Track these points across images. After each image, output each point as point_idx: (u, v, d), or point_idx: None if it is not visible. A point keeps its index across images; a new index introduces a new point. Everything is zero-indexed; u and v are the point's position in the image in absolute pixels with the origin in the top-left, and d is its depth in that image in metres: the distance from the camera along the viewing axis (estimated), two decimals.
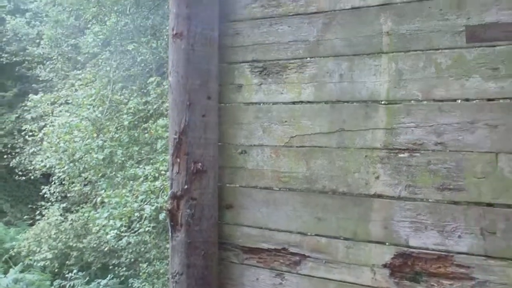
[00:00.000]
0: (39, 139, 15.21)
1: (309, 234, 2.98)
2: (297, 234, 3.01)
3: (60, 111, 14.90)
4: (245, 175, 3.20)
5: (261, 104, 3.16)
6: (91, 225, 13.36)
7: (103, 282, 15.56)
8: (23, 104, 18.71)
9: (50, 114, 15.38)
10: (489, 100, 2.52)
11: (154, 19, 14.10)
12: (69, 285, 15.95)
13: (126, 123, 13.01)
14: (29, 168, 17.33)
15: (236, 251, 3.21)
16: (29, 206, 21.22)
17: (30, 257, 16.56)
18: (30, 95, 16.70)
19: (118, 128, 13.29)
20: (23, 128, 17.16)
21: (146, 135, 12.73)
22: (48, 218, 16.85)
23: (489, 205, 2.51)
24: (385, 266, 2.74)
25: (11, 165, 20.15)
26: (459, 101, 2.59)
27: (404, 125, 2.70)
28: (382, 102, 2.77)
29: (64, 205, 17.10)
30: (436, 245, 2.61)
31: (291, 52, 3.05)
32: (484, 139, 2.51)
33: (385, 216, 2.74)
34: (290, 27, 3.05)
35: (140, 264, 13.81)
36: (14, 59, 22.17)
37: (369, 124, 2.79)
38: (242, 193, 3.21)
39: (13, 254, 17.64)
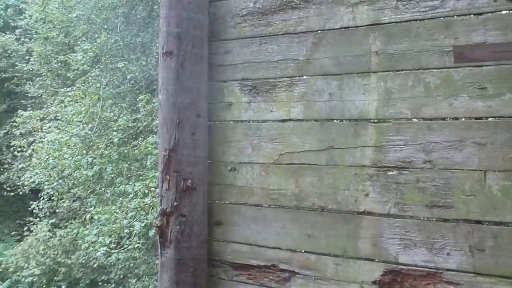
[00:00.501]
0: (28, 155, 15.14)
1: (298, 250, 2.99)
2: (286, 251, 3.02)
3: (50, 127, 14.85)
4: (234, 192, 3.21)
5: (251, 122, 3.18)
6: (80, 241, 13.28)
7: None
8: (12, 120, 18.64)
9: (39, 130, 15.33)
10: (477, 118, 2.55)
11: (144, 37, 14.14)
12: None
13: (115, 140, 12.99)
14: (18, 183, 17.24)
15: (226, 267, 3.22)
16: (17, 221, 21.09)
17: (18, 273, 16.43)
18: (19, 111, 16.64)
19: (108, 145, 13.26)
20: (11, 144, 17.09)
21: (136, 151, 12.72)
22: (36, 234, 16.75)
23: (478, 222, 2.53)
24: (374, 283, 2.75)
25: None
26: (448, 119, 2.62)
27: (393, 143, 2.72)
28: (371, 121, 2.80)
29: (53, 221, 17.01)
30: (425, 262, 2.63)
31: (281, 71, 3.07)
32: (472, 157, 2.54)
33: (374, 233, 2.76)
34: (280, 46, 3.08)
35: (130, 280, 13.74)
36: (3, 75, 22.12)
37: (358, 142, 2.82)
38: (232, 210, 3.22)
39: (0, 270, 17.50)
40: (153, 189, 11.21)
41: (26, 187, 15.54)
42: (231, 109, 3.24)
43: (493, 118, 2.52)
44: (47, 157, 13.35)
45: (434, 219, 2.63)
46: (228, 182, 3.23)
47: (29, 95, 20.42)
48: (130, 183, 12.33)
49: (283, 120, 3.06)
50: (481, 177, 2.52)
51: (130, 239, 12.14)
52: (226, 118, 3.26)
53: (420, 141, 2.66)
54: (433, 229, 2.62)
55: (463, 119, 2.58)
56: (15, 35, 22.25)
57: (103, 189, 13.15)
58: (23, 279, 16.43)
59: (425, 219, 2.65)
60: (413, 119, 2.69)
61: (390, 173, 2.73)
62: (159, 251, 3.23)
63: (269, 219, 3.08)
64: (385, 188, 2.74)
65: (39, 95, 19.68)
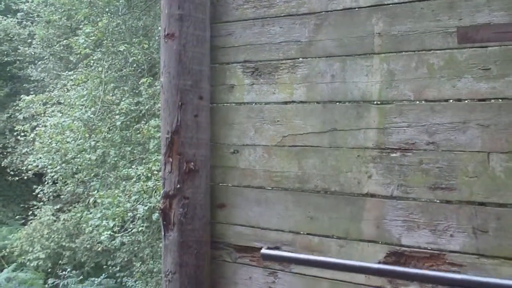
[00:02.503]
0: (31, 139, 15.16)
1: (301, 233, 2.99)
2: (289, 233, 3.02)
3: (52, 111, 14.85)
4: (237, 175, 3.21)
5: (253, 104, 3.16)
6: (84, 225, 13.34)
7: (97, 280, 15.55)
8: (15, 104, 18.67)
9: (42, 114, 15.33)
10: (480, 100, 2.53)
11: (145, 20, 14.09)
12: (63, 284, 15.94)
13: (118, 123, 12.98)
14: (21, 168, 17.28)
15: (229, 249, 3.22)
16: (21, 205, 21.19)
17: (23, 257, 16.53)
18: (22, 95, 16.64)
19: (110, 128, 13.26)
20: (15, 128, 17.12)
21: (139, 135, 12.72)
22: (40, 218, 16.82)
23: (481, 204, 2.52)
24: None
25: (2, 164, 20.12)
26: (451, 101, 2.60)
27: (396, 125, 2.71)
28: (374, 102, 2.78)
29: (57, 206, 17.06)
30: (429, 244, 2.63)
31: (283, 53, 3.05)
32: (475, 139, 2.53)
33: (377, 215, 2.75)
34: (282, 28, 3.06)
35: (134, 263, 13.81)
36: (6, 59, 22.12)
37: (361, 124, 2.81)
38: (234, 193, 3.22)
39: (6, 253, 17.61)
40: (156, 172, 11.22)
41: (29, 171, 15.58)
42: (233, 91, 3.22)
43: (497, 100, 2.50)
44: (50, 141, 13.36)
45: (437, 201, 2.62)
46: (230, 165, 3.23)
47: (32, 78, 20.43)
48: (133, 166, 12.34)
49: (286, 102, 3.05)
50: (485, 158, 2.51)
51: (133, 223, 12.18)
52: (229, 100, 3.25)
53: (423, 123, 2.65)
54: (436, 211, 2.62)
55: (467, 100, 2.56)
56: (17, 18, 22.23)
57: (106, 173, 13.18)
58: (28, 263, 16.54)
59: (428, 201, 2.64)
60: (416, 101, 2.68)
61: (393, 155, 2.72)
62: (163, 233, 3.24)
63: (271, 202, 3.08)
64: (388, 170, 2.73)
65: (42, 78, 19.69)
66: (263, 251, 1.72)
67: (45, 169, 14.33)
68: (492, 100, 2.50)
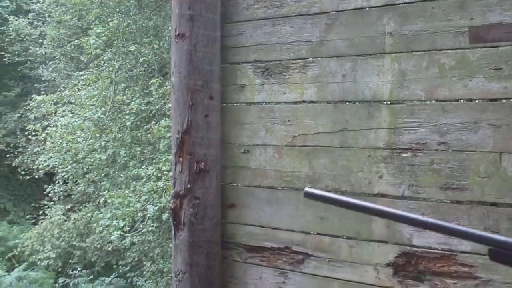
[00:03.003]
0: (42, 138, 15.23)
1: (312, 233, 2.99)
2: (300, 233, 3.02)
3: (63, 111, 14.91)
4: (248, 175, 3.21)
5: (264, 104, 3.17)
6: (94, 225, 13.38)
7: (107, 280, 15.61)
8: (26, 104, 18.75)
9: (53, 114, 15.40)
10: (492, 100, 2.52)
11: (156, 20, 14.11)
12: (73, 283, 16.01)
13: (128, 123, 13.01)
14: (32, 167, 17.36)
15: (239, 249, 3.23)
16: (32, 205, 21.30)
17: (34, 256, 16.61)
18: (33, 95, 16.73)
19: (121, 128, 13.29)
20: (26, 128, 17.19)
21: (149, 135, 12.74)
22: (51, 218, 16.90)
23: (493, 204, 2.51)
24: (388, 265, 2.75)
25: (13, 164, 20.21)
26: (462, 101, 2.59)
27: (407, 124, 2.71)
28: (385, 102, 2.78)
29: (68, 205, 17.13)
30: (440, 244, 2.62)
31: (294, 53, 3.05)
32: (487, 139, 2.52)
33: None
34: (293, 27, 3.06)
35: (144, 263, 13.84)
36: (17, 59, 22.23)
37: (372, 124, 2.80)
38: (245, 193, 3.22)
39: (16, 253, 17.69)
40: (166, 172, 11.24)
41: (40, 171, 15.65)
42: (244, 91, 3.23)
43: (508, 100, 2.49)
44: (60, 140, 13.41)
45: (448, 201, 2.61)
46: (241, 165, 3.23)
47: (43, 78, 20.52)
48: (143, 166, 12.37)
49: (296, 102, 3.05)
50: (496, 159, 2.50)
51: (144, 223, 12.20)
52: (239, 100, 3.25)
53: (435, 123, 2.64)
54: (447, 211, 2.61)
55: (478, 100, 2.56)
56: (28, 18, 22.33)
57: (117, 172, 13.21)
58: (38, 262, 16.62)
59: (439, 201, 2.64)
60: (428, 101, 2.67)
61: (404, 155, 2.72)
62: (173, 233, 3.25)
63: (282, 202, 3.08)
64: (399, 170, 2.73)
65: (53, 78, 19.77)
66: (307, 189, 1.78)
67: (56, 168, 14.39)
68: (504, 100, 2.49)
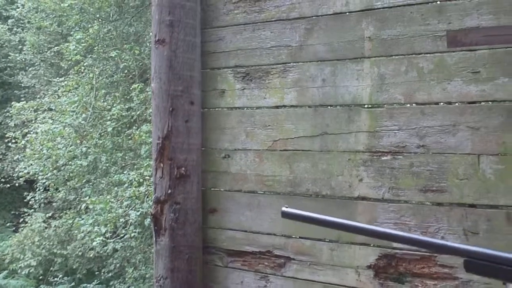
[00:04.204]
0: (22, 146, 15.10)
1: (293, 236, 2.99)
2: (281, 237, 3.02)
3: (44, 117, 14.81)
4: (228, 179, 3.21)
5: (244, 109, 3.17)
6: (75, 231, 13.29)
7: (89, 287, 15.48)
8: (5, 111, 18.60)
9: (33, 121, 15.29)
10: (470, 103, 2.55)
11: (137, 26, 14.07)
12: None
13: (109, 129, 12.95)
14: (12, 175, 17.20)
15: (221, 254, 3.22)
16: (12, 212, 21.07)
17: (14, 264, 16.44)
18: (13, 102, 16.58)
19: (102, 134, 13.22)
20: (6, 135, 17.04)
21: (130, 141, 12.69)
22: (31, 225, 16.74)
23: (471, 206, 2.54)
24: (369, 267, 2.76)
25: None
26: (441, 104, 2.62)
27: (387, 128, 2.73)
28: (365, 106, 2.80)
29: (50, 214, 16.99)
30: None
31: (274, 58, 3.07)
32: (465, 141, 2.55)
33: (368, 218, 2.76)
34: (273, 32, 3.07)
35: (126, 269, 13.75)
36: None
37: (352, 127, 2.82)
38: (226, 197, 3.22)
39: None
40: (147, 178, 11.20)
41: (21, 178, 15.51)
42: (224, 96, 3.23)
43: (486, 102, 2.52)
44: (41, 147, 13.32)
45: (428, 203, 2.64)
46: (222, 169, 3.23)
47: (22, 85, 20.35)
48: (125, 172, 12.31)
49: (277, 107, 3.06)
50: (475, 161, 2.52)
51: (126, 228, 12.14)
52: (220, 105, 3.26)
53: (414, 126, 2.66)
54: (427, 213, 2.63)
55: (457, 103, 2.58)
56: (7, 25, 22.15)
57: (98, 179, 13.14)
58: (19, 270, 16.45)
59: (419, 203, 2.66)
60: (407, 104, 2.69)
61: (384, 158, 2.73)
62: (154, 239, 3.24)
63: (263, 206, 3.08)
64: (379, 173, 2.74)
65: (33, 85, 19.62)
66: (284, 209, 1.82)
67: (36, 176, 14.28)
68: (482, 103, 2.52)
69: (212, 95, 3.27)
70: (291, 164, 3.00)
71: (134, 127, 12.86)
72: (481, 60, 2.51)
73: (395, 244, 2.69)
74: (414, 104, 2.68)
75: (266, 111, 3.08)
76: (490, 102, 2.51)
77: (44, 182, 14.27)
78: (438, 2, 2.62)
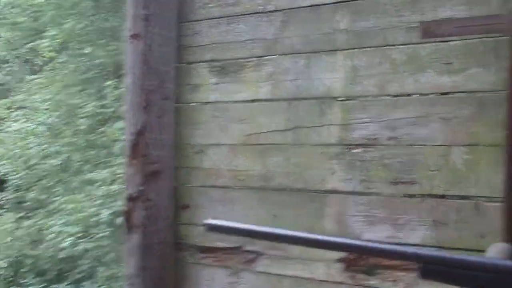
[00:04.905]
0: None
1: None
2: None
3: (17, 115, 14.63)
4: (201, 175, 3.20)
5: (219, 103, 3.16)
6: (46, 231, 13.13)
7: (60, 287, 15.32)
8: None
9: (6, 119, 15.08)
10: (442, 94, 2.56)
11: (113, 21, 13.95)
12: None
13: (83, 127, 12.82)
14: None
15: (192, 250, 3.20)
16: None
17: None
18: None
19: (75, 132, 13.09)
20: None
21: (104, 138, 12.58)
22: (2, 226, 16.52)
23: (442, 197, 2.54)
24: (339, 260, 2.75)
25: None
26: (414, 95, 2.63)
27: (359, 120, 2.73)
28: (338, 99, 2.80)
29: (21, 213, 16.78)
30: (389, 238, 2.64)
31: (249, 51, 3.06)
32: (437, 133, 2.55)
33: (339, 211, 2.76)
34: (248, 25, 3.06)
35: (98, 268, 13.62)
36: None
37: (325, 120, 2.82)
38: (199, 193, 3.21)
39: None
40: (121, 175, 11.11)
41: None
42: (199, 90, 3.22)
43: (458, 93, 2.53)
44: (12, 146, 13.15)
45: (398, 195, 2.64)
46: (195, 165, 3.22)
47: None
48: (98, 170, 12.19)
49: (251, 101, 3.05)
50: (446, 152, 2.53)
51: (97, 227, 12.02)
52: (194, 100, 3.24)
53: (386, 118, 2.66)
54: (397, 205, 2.63)
55: (429, 95, 2.59)
56: None
57: (71, 177, 13.00)
58: None
59: (390, 195, 2.66)
60: (379, 96, 2.70)
61: (356, 150, 2.73)
62: (126, 236, 3.20)
63: (236, 201, 3.07)
64: (350, 166, 2.74)
65: (6, 82, 19.38)
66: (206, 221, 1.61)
67: (8, 175, 14.09)
68: (454, 94, 2.53)
69: (187, 90, 3.26)
70: (264, 158, 2.99)
71: (107, 124, 12.74)
72: (454, 51, 2.52)
73: (365, 237, 2.69)
74: (386, 96, 2.68)
75: (240, 105, 3.07)
76: (462, 93, 2.52)
77: (16, 182, 14.09)
78: None
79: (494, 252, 1.68)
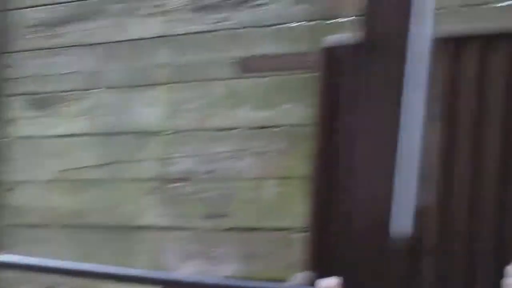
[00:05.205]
0: None
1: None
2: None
3: None
4: (12, 214, 3.00)
5: (33, 138, 3.02)
6: None
7: None
8: None
9: None
10: (258, 128, 2.61)
11: None
12: None
13: None
14: None
15: None
16: None
17: None
18: None
19: None
20: None
21: None
22: None
23: (254, 229, 2.56)
24: None
25: None
26: (231, 130, 2.65)
27: (177, 155, 2.72)
28: (157, 133, 2.77)
29: None
30: (204, 272, 2.60)
31: (70, 84, 2.97)
32: (251, 166, 2.59)
33: (154, 247, 2.72)
34: (70, 58, 2.99)
35: None
36: None
37: (142, 155, 2.78)
38: (8, 233, 3.01)
39: None
40: None
41: None
42: (14, 124, 3.07)
43: (272, 128, 2.58)
44: None
45: (212, 229, 2.63)
46: (4, 203, 3.02)
47: None
48: None
49: (68, 135, 2.95)
50: (259, 185, 2.57)
51: None
52: (7, 135, 3.07)
53: (204, 152, 2.67)
54: (211, 238, 2.63)
55: (246, 129, 2.63)
56: None
57: None
58: None
59: (204, 229, 2.65)
60: (199, 131, 2.70)
61: (172, 185, 2.71)
62: None
63: (48, 240, 2.92)
64: (167, 201, 2.72)
65: None
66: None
67: None
68: (268, 128, 2.58)
69: (2, 124, 3.08)
70: (78, 194, 2.89)
71: None
72: (269, 86, 2.59)
73: (181, 271, 2.64)
74: (206, 131, 2.69)
75: (56, 140, 2.96)
76: (275, 128, 2.57)
77: None
78: (231, 30, 2.68)
79: (298, 280, 1.70)
